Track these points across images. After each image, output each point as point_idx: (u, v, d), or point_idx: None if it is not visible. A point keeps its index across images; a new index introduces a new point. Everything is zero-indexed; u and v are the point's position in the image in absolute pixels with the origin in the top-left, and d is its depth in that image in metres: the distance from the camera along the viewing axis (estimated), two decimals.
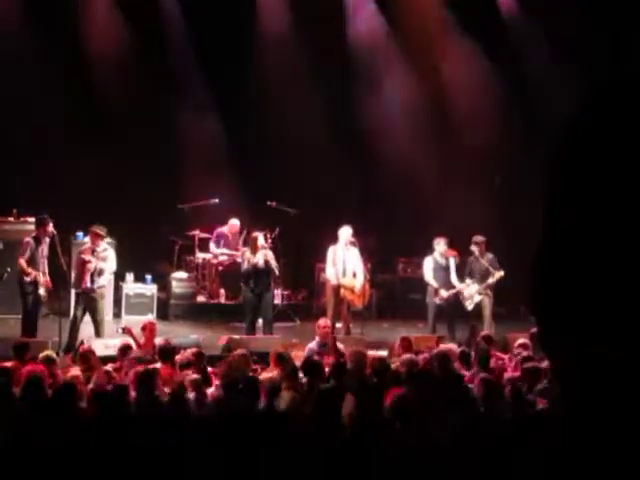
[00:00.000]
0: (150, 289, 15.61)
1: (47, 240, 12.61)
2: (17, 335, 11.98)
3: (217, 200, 16.30)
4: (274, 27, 17.84)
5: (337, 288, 13.60)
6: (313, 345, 10.92)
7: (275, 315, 14.03)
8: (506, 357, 10.55)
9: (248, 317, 13.40)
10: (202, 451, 6.54)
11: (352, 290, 13.70)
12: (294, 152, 17.07)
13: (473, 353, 9.92)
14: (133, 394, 7.61)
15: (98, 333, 12.43)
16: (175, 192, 16.48)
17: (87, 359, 9.27)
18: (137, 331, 11.05)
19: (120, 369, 9.22)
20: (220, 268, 16.31)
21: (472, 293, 13.59)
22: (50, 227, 12.51)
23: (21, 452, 6.45)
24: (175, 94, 17.40)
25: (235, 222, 16.23)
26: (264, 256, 13.37)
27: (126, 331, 11.06)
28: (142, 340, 10.80)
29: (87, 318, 12.61)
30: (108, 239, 13.42)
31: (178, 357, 9.33)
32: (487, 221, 15.38)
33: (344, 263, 13.65)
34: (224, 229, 16.31)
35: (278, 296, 15.67)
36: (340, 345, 10.92)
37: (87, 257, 12.61)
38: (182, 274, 16.26)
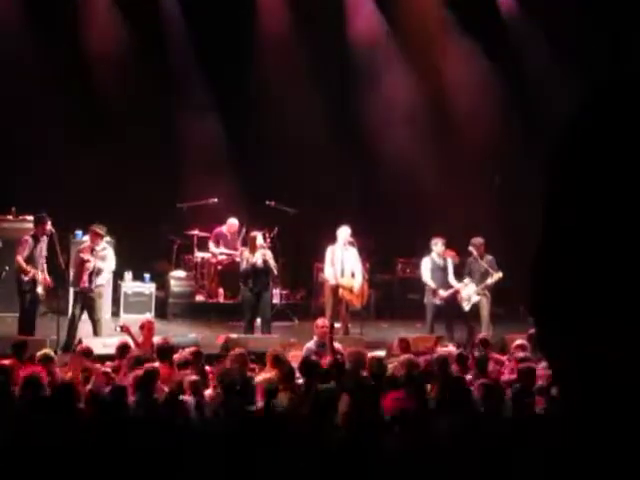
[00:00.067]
0: (149, 288, 15.61)
1: (45, 239, 12.61)
2: (14, 333, 11.98)
3: (216, 199, 16.30)
4: (274, 27, 17.84)
5: (336, 288, 13.60)
6: (311, 345, 10.91)
7: (273, 314, 14.03)
8: (504, 358, 10.55)
9: (246, 316, 13.41)
10: (200, 453, 6.53)
11: (351, 290, 13.71)
12: (294, 152, 17.07)
13: (470, 356, 9.92)
14: (132, 397, 7.61)
15: (96, 332, 12.43)
16: (174, 192, 16.48)
17: (85, 359, 9.26)
18: (135, 330, 11.04)
19: (119, 368, 9.21)
20: (219, 267, 16.31)
21: (470, 293, 13.59)
22: (48, 225, 12.51)
23: (19, 451, 6.45)
24: (175, 94, 17.39)
25: (234, 221, 16.23)
26: (263, 255, 13.37)
27: (124, 330, 11.04)
28: (140, 339, 10.79)
29: (85, 317, 12.61)
30: (107, 238, 13.42)
31: (176, 356, 9.31)
32: (487, 221, 15.38)
33: (343, 263, 13.66)
34: (223, 228, 16.32)
35: (277, 295, 15.67)
36: (338, 345, 10.92)
37: (86, 256, 12.61)
38: (181, 273, 16.26)
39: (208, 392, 8.25)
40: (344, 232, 13.66)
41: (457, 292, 13.60)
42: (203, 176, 16.40)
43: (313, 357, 10.06)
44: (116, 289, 15.36)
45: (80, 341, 11.29)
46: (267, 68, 17.62)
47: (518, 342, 10.55)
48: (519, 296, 13.93)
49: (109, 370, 8.92)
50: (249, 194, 16.70)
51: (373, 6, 18.28)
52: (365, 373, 8.89)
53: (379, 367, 8.98)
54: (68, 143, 15.83)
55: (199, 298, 16.23)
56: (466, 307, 13.57)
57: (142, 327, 11.05)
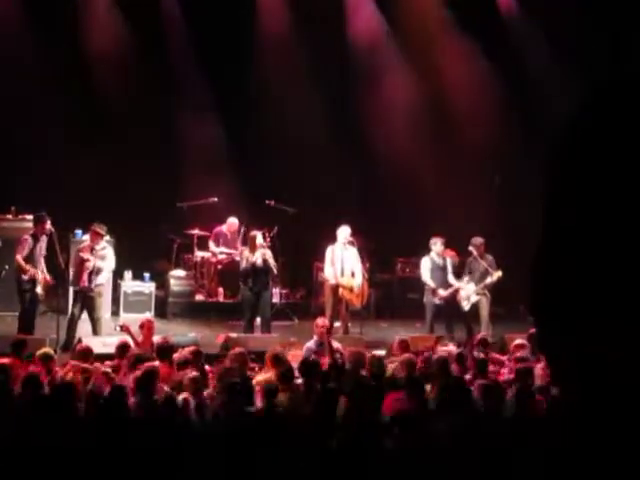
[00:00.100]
0: (148, 287, 15.61)
1: (45, 238, 12.61)
2: (14, 332, 11.97)
3: (216, 199, 16.30)
4: (274, 27, 17.84)
5: (335, 287, 13.60)
6: (311, 344, 10.91)
7: (273, 314, 14.03)
8: (504, 358, 10.55)
9: (246, 316, 13.41)
10: (200, 453, 6.54)
11: (350, 289, 13.70)
12: (294, 152, 17.07)
13: (469, 355, 9.92)
14: (133, 397, 7.61)
15: (95, 331, 12.44)
16: (174, 191, 16.49)
17: (85, 358, 9.26)
18: (135, 329, 11.04)
19: (118, 368, 9.21)
20: (219, 267, 16.31)
21: (469, 293, 13.59)
22: (48, 225, 12.51)
23: (19, 450, 6.45)
24: (175, 94, 17.39)
25: (234, 221, 16.23)
26: (262, 255, 13.37)
27: (124, 329, 11.04)
28: (140, 338, 10.79)
29: (85, 316, 12.61)
30: (107, 237, 13.43)
31: (176, 355, 9.31)
32: (487, 221, 15.38)
33: (342, 262, 13.66)
34: (223, 228, 16.32)
35: (276, 295, 15.68)
36: (338, 344, 10.92)
37: (85, 255, 12.61)
38: (180, 272, 16.26)
39: (208, 392, 8.26)
40: (344, 231, 13.66)
41: (457, 291, 13.60)
42: (203, 176, 16.39)
43: (313, 356, 10.07)
44: (116, 288, 15.37)
45: (80, 340, 11.29)
46: (267, 68, 17.62)
47: (517, 342, 10.56)
48: (519, 296, 13.93)
49: (109, 370, 8.92)
50: (249, 194, 16.70)
51: (373, 6, 18.28)
52: (365, 373, 8.89)
53: (379, 367, 8.98)
54: (68, 143, 15.83)
55: (199, 297, 16.23)
56: (466, 307, 13.57)
57: (142, 326, 11.05)
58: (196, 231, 16.23)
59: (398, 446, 6.50)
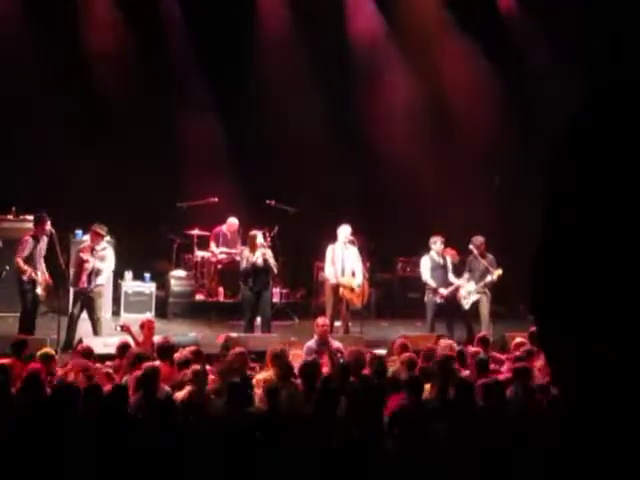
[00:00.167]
0: (149, 287, 15.62)
1: (45, 238, 12.61)
2: (15, 333, 11.97)
3: (216, 199, 16.31)
4: (274, 27, 17.84)
5: (336, 287, 13.60)
6: (312, 344, 10.90)
7: (274, 313, 14.03)
8: (504, 357, 10.56)
9: (247, 315, 13.41)
10: (201, 453, 6.54)
11: (351, 289, 13.70)
12: (294, 152, 17.08)
13: (469, 354, 9.92)
14: (135, 396, 7.62)
15: (95, 331, 12.44)
16: (174, 191, 16.48)
17: (86, 357, 9.26)
18: (135, 329, 11.04)
19: (119, 368, 9.21)
20: (219, 266, 16.32)
21: (469, 292, 13.59)
22: (48, 225, 12.51)
23: (19, 450, 6.45)
24: (175, 94, 17.39)
25: (234, 221, 16.23)
26: (263, 254, 13.37)
27: (124, 329, 11.05)
28: (141, 338, 10.79)
29: (85, 316, 12.62)
30: (108, 238, 13.43)
31: (176, 355, 9.32)
32: (487, 221, 15.39)
33: (343, 262, 13.66)
34: (223, 228, 16.32)
35: (277, 294, 15.69)
36: (338, 343, 10.92)
37: (85, 256, 12.61)
38: (181, 272, 16.27)
39: (208, 388, 8.26)
40: (344, 231, 13.66)
41: (458, 289, 13.61)
42: (203, 176, 16.39)
43: (313, 356, 10.07)
44: (116, 288, 15.39)
45: (80, 340, 11.29)
46: (267, 68, 17.62)
47: (517, 340, 10.59)
48: (519, 294, 13.95)
49: (111, 371, 8.93)
50: (249, 194, 16.70)
51: (373, 6, 18.28)
52: (366, 372, 8.89)
53: (380, 365, 8.98)
54: (68, 143, 15.83)
55: (199, 297, 16.24)
56: (466, 306, 13.57)
57: (142, 326, 11.05)
58: (196, 231, 16.23)
59: (398, 446, 6.50)
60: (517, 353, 9.72)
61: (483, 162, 17.04)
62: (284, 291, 16.42)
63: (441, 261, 13.75)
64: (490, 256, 13.71)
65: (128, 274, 15.63)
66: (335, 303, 13.60)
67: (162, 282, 16.08)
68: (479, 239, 13.72)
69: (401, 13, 17.98)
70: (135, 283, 15.65)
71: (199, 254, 16.36)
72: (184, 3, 17.55)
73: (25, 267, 12.39)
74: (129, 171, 16.10)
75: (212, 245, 16.29)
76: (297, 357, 9.82)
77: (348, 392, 7.80)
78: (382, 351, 11.24)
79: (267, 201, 16.11)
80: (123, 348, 9.80)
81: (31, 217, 13.56)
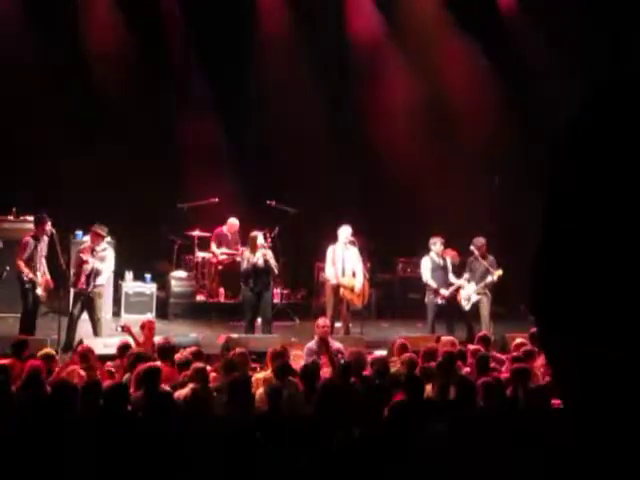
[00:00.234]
0: (149, 288, 15.62)
1: (46, 239, 12.61)
2: (16, 334, 11.97)
3: (216, 199, 16.31)
4: (274, 27, 17.84)
5: (336, 287, 13.60)
6: (312, 345, 10.90)
7: (274, 314, 14.03)
8: (505, 357, 10.55)
9: (247, 316, 13.41)
10: (201, 453, 6.54)
11: (351, 289, 13.70)
12: (294, 152, 17.08)
13: (468, 353, 9.92)
14: (137, 393, 7.62)
15: (96, 332, 12.43)
16: (175, 192, 16.49)
17: (86, 358, 9.26)
18: (136, 330, 11.04)
19: (120, 369, 9.21)
20: (220, 267, 16.32)
21: (470, 293, 13.60)
22: (48, 225, 12.51)
23: (19, 447, 6.45)
24: (175, 94, 17.40)
25: (234, 221, 16.23)
26: (263, 255, 13.37)
27: (125, 329, 11.04)
28: (141, 339, 10.79)
29: (85, 316, 12.61)
30: (108, 239, 13.42)
31: (177, 356, 9.31)
32: (487, 221, 15.39)
33: (343, 262, 13.65)
34: (223, 228, 16.32)
35: (277, 295, 15.68)
36: (339, 344, 10.92)
37: (85, 257, 12.61)
38: (181, 273, 16.27)
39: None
40: (345, 231, 13.66)
41: (458, 289, 13.61)
42: (203, 176, 16.40)
43: (314, 357, 10.07)
44: (117, 289, 15.38)
45: (81, 341, 11.29)
46: (267, 68, 17.62)
47: (517, 341, 10.58)
48: (520, 295, 13.94)
49: (113, 370, 8.94)
50: (249, 194, 16.70)
51: (373, 6, 18.28)
52: (368, 372, 8.89)
53: (382, 365, 8.98)
54: (68, 143, 15.82)
55: (200, 298, 16.23)
56: (466, 307, 13.57)
57: (143, 327, 11.04)
58: (197, 232, 16.23)
59: (399, 445, 6.50)
60: (515, 354, 9.72)
61: (483, 162, 17.04)
62: (285, 292, 16.42)
63: (441, 262, 13.75)
64: (491, 257, 13.70)
65: (129, 275, 15.63)
66: (336, 304, 13.59)
67: (163, 283, 16.08)
68: (480, 240, 13.71)
69: (401, 13, 17.98)
70: (136, 284, 15.65)
71: (200, 255, 16.36)
72: (184, 3, 17.55)
73: (25, 269, 12.39)
74: (129, 171, 16.10)
75: (213, 246, 16.29)
76: (298, 358, 9.82)
77: (349, 392, 7.79)
78: (382, 352, 11.22)
79: (267, 202, 16.12)
80: (124, 349, 9.79)
81: (31, 218, 13.55)
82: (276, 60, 17.61)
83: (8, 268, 13.05)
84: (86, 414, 7.01)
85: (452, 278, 13.74)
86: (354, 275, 13.73)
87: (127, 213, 15.74)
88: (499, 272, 13.44)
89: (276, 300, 15.32)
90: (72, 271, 12.96)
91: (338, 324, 13.58)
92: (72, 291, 13.07)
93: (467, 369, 9.19)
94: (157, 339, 10.42)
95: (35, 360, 8.46)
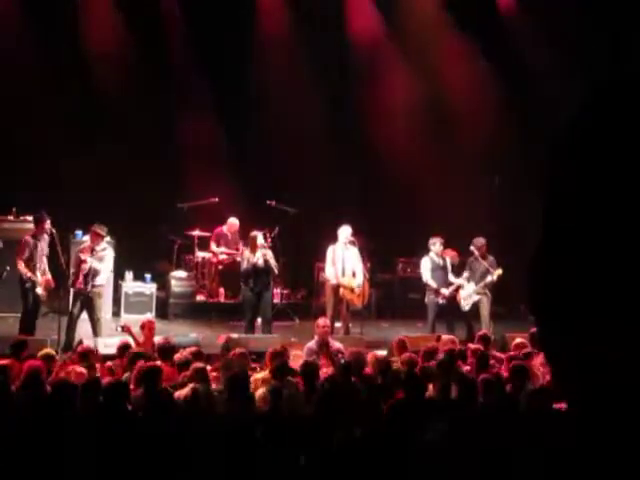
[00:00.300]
0: (149, 288, 15.62)
1: (46, 238, 12.61)
2: (16, 334, 11.97)
3: (216, 199, 16.31)
4: (274, 27, 17.85)
5: (336, 287, 13.60)
6: (312, 345, 10.90)
7: (274, 314, 14.03)
8: (504, 357, 10.55)
9: (247, 316, 13.41)
10: (201, 452, 6.54)
11: (351, 289, 13.70)
12: (294, 152, 17.08)
13: (468, 352, 9.93)
14: (137, 392, 7.62)
15: (95, 332, 12.42)
16: (175, 192, 16.49)
17: (87, 358, 9.26)
18: (136, 330, 11.04)
19: (120, 368, 9.21)
20: (220, 267, 16.32)
21: (470, 293, 13.60)
22: (47, 224, 12.51)
23: (19, 446, 6.45)
24: (175, 94, 17.40)
25: (234, 221, 16.23)
26: (263, 255, 13.37)
27: (125, 329, 11.05)
28: (141, 339, 10.80)
29: (85, 316, 12.61)
30: (108, 238, 13.42)
31: (177, 356, 9.32)
32: (487, 221, 15.39)
33: (343, 262, 13.66)
34: (223, 228, 16.32)
35: (277, 295, 15.68)
36: (339, 344, 10.92)
37: (83, 257, 12.60)
38: (181, 273, 16.27)
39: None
40: (345, 231, 13.66)
41: (458, 288, 13.61)
42: (203, 176, 16.40)
43: (314, 357, 10.08)
44: (117, 289, 15.39)
45: (81, 341, 11.29)
46: (267, 68, 17.62)
47: (517, 341, 10.59)
48: (520, 295, 13.93)
49: (113, 368, 8.95)
50: (249, 194, 16.70)
51: (373, 6, 18.28)
52: (368, 371, 8.89)
53: (385, 364, 8.98)
54: (68, 143, 15.83)
55: (200, 298, 16.24)
56: (466, 307, 13.58)
57: (143, 327, 11.05)
58: (197, 232, 16.23)
59: (399, 445, 6.50)
60: (512, 353, 9.73)
61: (483, 162, 17.04)
62: (285, 292, 16.42)
63: (441, 262, 13.76)
64: (491, 257, 13.71)
65: (129, 275, 15.63)
66: (335, 304, 13.60)
67: (163, 283, 16.08)
68: (480, 240, 13.71)
69: (401, 13, 17.98)
70: (136, 284, 15.65)
71: (200, 255, 16.36)
72: (184, 3, 17.56)
73: (24, 269, 12.39)
74: (129, 171, 16.10)
75: (212, 245, 16.29)
76: (297, 358, 9.82)
77: (350, 391, 7.79)
78: (382, 352, 11.22)
79: (267, 202, 16.12)
80: (124, 349, 9.80)
81: (31, 218, 13.56)
82: (276, 60, 17.62)
83: (8, 268, 13.05)
84: (86, 412, 7.01)
85: (452, 278, 13.76)
86: (354, 275, 13.73)
87: (127, 213, 15.75)
88: (499, 271, 13.45)
89: (276, 300, 15.32)
90: (71, 271, 12.97)
91: (338, 324, 13.58)
92: (71, 291, 13.07)
93: (467, 368, 9.20)
94: (157, 339, 10.42)
95: (35, 360, 8.46)
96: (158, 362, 8.88)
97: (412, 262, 16.42)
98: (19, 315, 12.72)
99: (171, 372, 8.84)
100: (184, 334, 12.77)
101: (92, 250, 12.69)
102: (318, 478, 6.46)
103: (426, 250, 13.88)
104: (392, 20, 18.12)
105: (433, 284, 13.62)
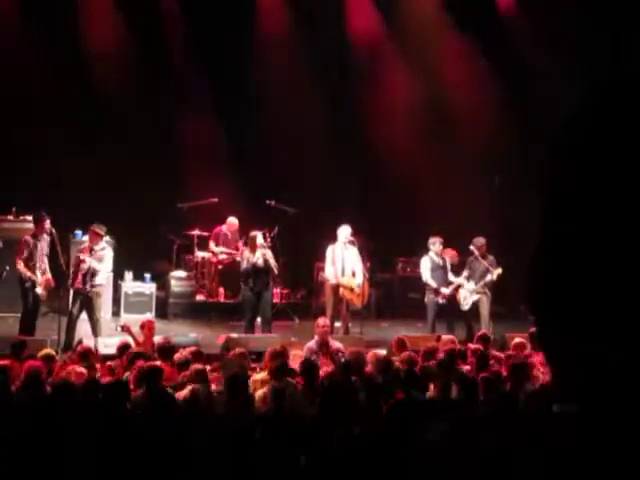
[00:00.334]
0: (149, 288, 15.61)
1: (46, 237, 12.61)
2: (15, 334, 11.97)
3: (216, 199, 16.30)
4: (274, 27, 17.85)
5: (336, 287, 13.60)
6: (312, 344, 10.90)
7: (274, 314, 14.02)
8: (504, 356, 10.55)
9: (247, 316, 13.41)
10: (201, 452, 6.54)
11: (351, 289, 13.70)
12: (294, 152, 17.08)
13: (468, 352, 9.93)
14: (137, 392, 7.62)
15: (95, 332, 12.40)
16: (174, 192, 16.49)
17: (86, 358, 9.26)
18: (136, 329, 11.04)
19: (120, 368, 9.21)
20: (219, 267, 16.31)
21: (469, 292, 13.60)
22: (47, 223, 12.50)
23: (19, 447, 6.45)
24: (175, 94, 17.39)
25: (234, 221, 16.22)
26: (263, 255, 13.37)
27: (125, 329, 11.05)
28: (141, 339, 10.79)
29: (85, 316, 12.60)
30: (107, 238, 13.41)
31: (176, 356, 9.31)
32: (487, 221, 15.39)
33: (343, 262, 13.65)
34: (223, 228, 16.32)
35: (277, 295, 15.68)
36: (339, 344, 10.92)
37: (82, 256, 12.60)
38: (181, 273, 16.27)
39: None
40: (345, 231, 13.66)
41: (458, 288, 13.62)
42: (203, 176, 16.39)
43: (314, 356, 10.08)
44: (117, 289, 15.39)
45: (81, 341, 11.29)
46: (267, 68, 17.62)
47: (516, 341, 10.59)
48: (519, 294, 13.92)
49: (113, 366, 8.95)
50: (249, 194, 16.69)
51: (373, 6, 18.28)
52: (369, 370, 8.89)
53: (385, 363, 8.98)
54: (68, 143, 15.82)
55: (199, 298, 16.23)
56: (465, 306, 13.58)
57: (142, 327, 11.05)
58: (196, 232, 16.23)
59: (399, 444, 6.50)
60: (511, 353, 9.74)
61: (483, 162, 17.04)
62: (284, 291, 16.42)
63: (440, 262, 13.76)
64: (491, 257, 13.71)
65: (128, 275, 15.62)
66: (335, 303, 13.60)
67: (162, 283, 16.08)
68: (480, 240, 13.72)
69: (401, 13, 17.98)
70: (135, 284, 15.65)
71: (199, 254, 16.35)
72: (184, 3, 17.55)
73: (23, 269, 12.38)
74: (129, 171, 16.10)
75: (212, 244, 16.28)
76: (297, 357, 9.82)
77: (350, 390, 7.79)
78: (382, 351, 11.22)
79: (267, 201, 16.12)
80: (124, 348, 9.80)
81: (31, 217, 13.55)
82: (276, 60, 17.61)
83: (8, 268, 13.04)
84: (86, 412, 7.00)
85: (451, 277, 13.76)
86: (354, 275, 13.73)
87: (127, 213, 15.75)
88: (498, 270, 13.45)
89: (276, 300, 15.32)
90: (71, 270, 12.97)
91: (338, 324, 13.58)
92: (71, 291, 13.07)
93: (467, 367, 9.20)
94: (157, 339, 10.42)
95: (35, 360, 8.46)
96: (158, 362, 8.88)
97: (412, 262, 16.41)
98: (19, 315, 12.72)
99: (171, 372, 8.84)
100: (184, 334, 12.77)
101: (91, 250, 12.69)
102: (318, 478, 6.46)
103: (426, 250, 13.88)
104: (392, 20, 18.12)
105: (433, 284, 13.62)
